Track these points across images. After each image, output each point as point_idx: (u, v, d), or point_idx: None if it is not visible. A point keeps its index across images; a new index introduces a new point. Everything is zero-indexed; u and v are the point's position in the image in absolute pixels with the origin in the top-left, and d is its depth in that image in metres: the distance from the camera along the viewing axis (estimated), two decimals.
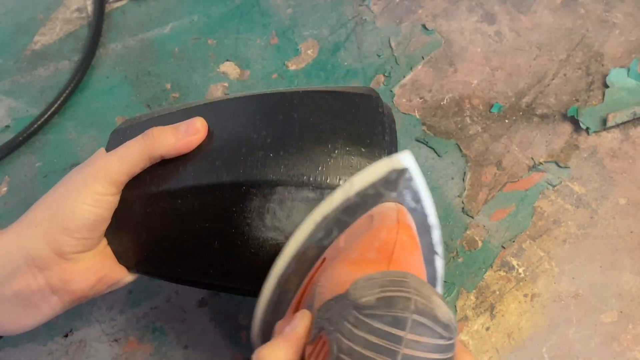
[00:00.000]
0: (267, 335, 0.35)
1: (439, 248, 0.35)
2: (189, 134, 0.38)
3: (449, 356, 0.27)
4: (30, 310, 0.38)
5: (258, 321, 0.36)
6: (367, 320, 0.26)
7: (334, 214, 0.33)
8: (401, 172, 0.33)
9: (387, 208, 0.33)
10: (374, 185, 0.33)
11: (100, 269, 0.39)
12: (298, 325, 0.30)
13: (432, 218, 0.35)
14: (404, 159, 0.33)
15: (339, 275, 0.31)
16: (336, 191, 0.34)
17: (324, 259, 0.33)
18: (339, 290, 0.29)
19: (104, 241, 0.40)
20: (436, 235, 0.35)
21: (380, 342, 0.26)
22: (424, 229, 0.35)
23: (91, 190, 0.37)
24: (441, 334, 0.26)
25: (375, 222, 0.32)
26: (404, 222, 0.33)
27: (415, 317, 0.26)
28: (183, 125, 0.38)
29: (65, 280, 0.38)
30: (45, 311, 0.38)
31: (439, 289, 0.37)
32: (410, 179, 0.33)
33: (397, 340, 0.26)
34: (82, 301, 0.40)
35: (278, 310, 0.35)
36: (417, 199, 0.34)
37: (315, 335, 0.29)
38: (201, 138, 0.38)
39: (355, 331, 0.26)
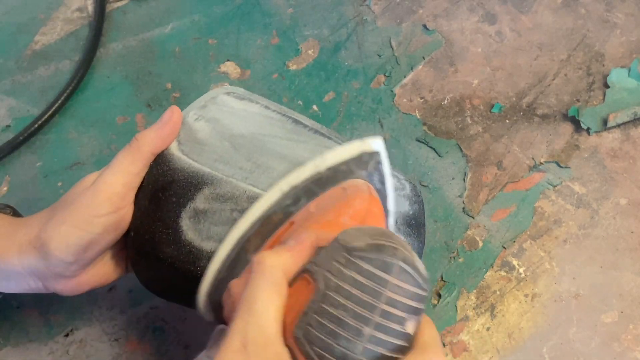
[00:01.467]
0: (218, 292, 0.35)
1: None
2: (163, 121, 0.39)
3: (423, 307, 0.30)
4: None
5: (210, 278, 0.36)
6: (357, 261, 0.29)
7: (304, 184, 0.35)
8: (372, 155, 0.36)
9: (359, 183, 0.35)
10: (346, 163, 0.36)
11: (97, 280, 0.40)
12: (305, 239, 0.31)
13: (391, 204, 0.37)
14: (376, 143, 0.36)
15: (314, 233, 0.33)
16: (306, 165, 0.35)
17: (292, 222, 0.35)
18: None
19: (107, 253, 0.40)
20: (391, 220, 0.37)
21: (368, 282, 0.28)
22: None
23: (85, 213, 0.37)
24: (421, 284, 0.29)
25: (348, 193, 0.35)
26: (375, 197, 0.35)
27: (402, 264, 0.29)
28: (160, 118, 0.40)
29: (63, 290, 0.39)
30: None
31: None
32: (379, 162, 0.36)
33: (383, 283, 0.28)
34: None
35: (234, 268, 0.35)
36: (382, 181, 0.36)
37: (297, 277, 0.30)
38: (177, 121, 0.39)
39: (345, 270, 0.29)
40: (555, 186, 0.53)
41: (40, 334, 0.48)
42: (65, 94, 0.58)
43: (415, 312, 0.29)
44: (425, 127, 0.57)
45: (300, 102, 0.58)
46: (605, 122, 0.56)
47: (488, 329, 0.48)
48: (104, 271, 0.40)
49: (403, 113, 0.57)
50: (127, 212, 0.38)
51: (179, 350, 0.47)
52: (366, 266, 0.28)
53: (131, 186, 0.38)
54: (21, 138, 0.56)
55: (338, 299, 0.28)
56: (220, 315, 0.35)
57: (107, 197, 0.37)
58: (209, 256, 0.36)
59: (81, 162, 0.56)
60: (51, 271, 0.38)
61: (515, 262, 0.51)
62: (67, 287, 0.39)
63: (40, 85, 0.60)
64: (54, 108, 0.57)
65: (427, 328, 0.30)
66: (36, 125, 0.56)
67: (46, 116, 0.57)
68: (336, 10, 0.64)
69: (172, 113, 0.39)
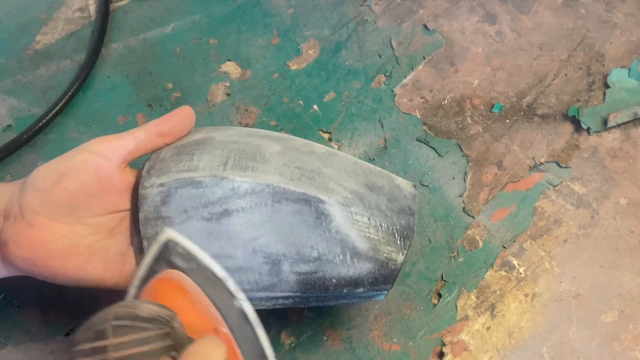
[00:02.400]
0: None
1: (239, 294, 0.37)
2: (179, 115, 0.42)
3: (165, 343, 0.30)
4: None
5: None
6: (78, 347, 0.30)
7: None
8: (164, 246, 0.37)
9: (153, 281, 0.36)
10: (151, 267, 0.37)
11: (88, 269, 0.42)
12: None
13: (218, 271, 0.37)
14: (164, 234, 0.37)
15: None
16: (135, 279, 0.37)
17: None
18: None
19: (105, 244, 0.41)
20: (231, 284, 0.37)
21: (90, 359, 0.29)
22: (210, 281, 0.37)
23: (77, 150, 0.39)
24: (145, 327, 0.30)
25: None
26: (164, 279, 0.36)
27: (115, 322, 0.30)
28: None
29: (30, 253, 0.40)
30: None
31: (259, 328, 0.37)
32: (175, 245, 0.37)
33: (103, 350, 0.29)
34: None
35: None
36: (187, 259, 0.37)
37: None
38: (190, 122, 0.42)
39: None
40: (555, 186, 0.54)
41: (41, 333, 0.48)
42: (68, 94, 0.58)
43: (160, 351, 0.30)
44: (425, 127, 0.57)
45: (300, 102, 0.58)
46: (605, 122, 0.56)
47: (488, 328, 0.48)
48: (101, 260, 0.41)
49: (403, 113, 0.58)
50: (115, 176, 0.40)
51: None
52: (85, 346, 0.29)
53: (128, 150, 0.40)
54: (23, 138, 0.56)
55: None
56: None
57: (101, 141, 0.40)
58: None
59: None
60: (26, 205, 0.38)
61: (515, 262, 0.51)
62: (36, 249, 0.39)
63: (42, 85, 0.60)
64: (56, 109, 0.57)
65: (195, 345, 0.30)
66: (38, 126, 0.56)
67: (49, 116, 0.57)
68: (337, 11, 0.64)
69: (188, 115, 0.42)
